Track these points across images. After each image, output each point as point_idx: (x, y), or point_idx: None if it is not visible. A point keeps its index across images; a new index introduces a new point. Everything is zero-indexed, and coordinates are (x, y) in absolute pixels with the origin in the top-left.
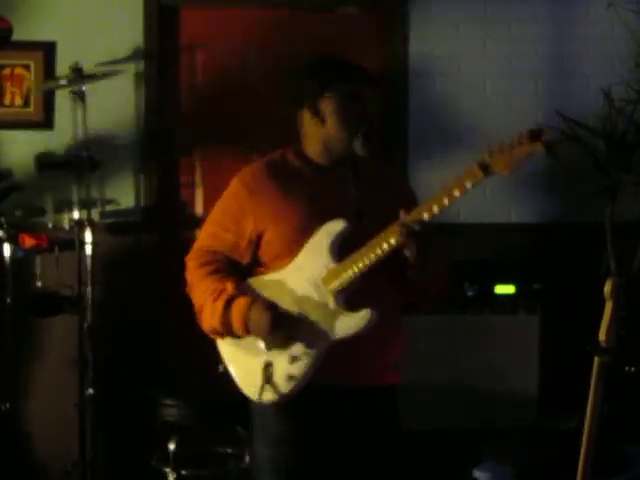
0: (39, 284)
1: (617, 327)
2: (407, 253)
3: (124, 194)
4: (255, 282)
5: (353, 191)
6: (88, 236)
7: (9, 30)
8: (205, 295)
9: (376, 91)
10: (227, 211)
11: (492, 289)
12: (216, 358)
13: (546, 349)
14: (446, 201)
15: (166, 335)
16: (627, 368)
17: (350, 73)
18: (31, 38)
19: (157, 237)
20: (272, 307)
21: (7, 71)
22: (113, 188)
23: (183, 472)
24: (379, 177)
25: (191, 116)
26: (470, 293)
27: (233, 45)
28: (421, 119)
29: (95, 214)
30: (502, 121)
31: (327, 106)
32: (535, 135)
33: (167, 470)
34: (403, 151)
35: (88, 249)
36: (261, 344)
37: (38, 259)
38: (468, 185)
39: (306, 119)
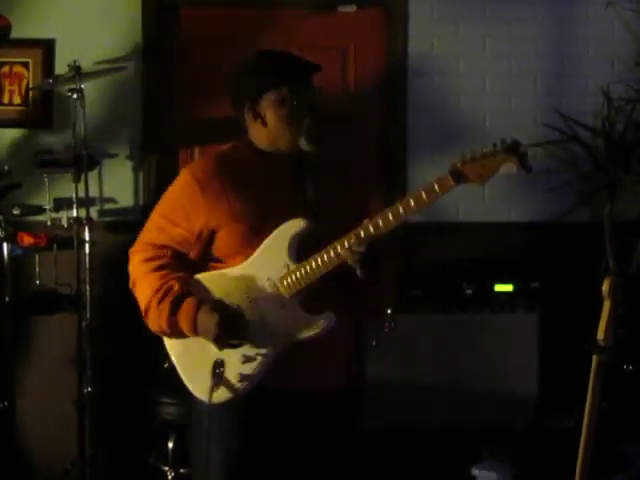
0: (38, 282)
1: (615, 326)
2: (357, 271)
3: (123, 192)
4: (205, 278)
5: (309, 189)
6: (87, 234)
7: (8, 28)
8: (150, 294)
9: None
10: (177, 205)
11: (491, 288)
12: (163, 353)
13: (545, 348)
14: (412, 203)
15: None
16: (626, 367)
17: (286, 72)
18: (30, 36)
19: None
20: (220, 307)
21: (6, 69)
22: (112, 186)
23: (182, 470)
24: (337, 176)
25: (190, 114)
26: (469, 292)
27: (232, 44)
28: (420, 118)
29: (94, 212)
30: (502, 120)
31: (266, 108)
32: (511, 148)
33: (165, 468)
34: (402, 150)
35: (87, 248)
36: (210, 343)
37: (37, 257)
38: (437, 189)
39: (248, 120)
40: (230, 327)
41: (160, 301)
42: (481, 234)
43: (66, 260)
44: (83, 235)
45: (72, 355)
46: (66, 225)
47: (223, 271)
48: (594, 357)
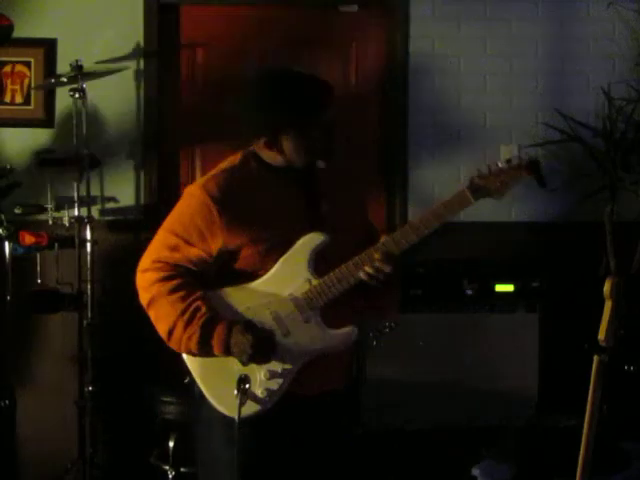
0: (39, 281)
1: (616, 326)
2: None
3: (124, 192)
4: (226, 293)
5: (323, 201)
6: (88, 234)
7: (10, 28)
8: (174, 317)
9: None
10: (190, 225)
11: (492, 287)
12: (184, 368)
13: (545, 348)
14: (436, 224)
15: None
16: (627, 367)
17: (308, 109)
18: (32, 35)
19: None
20: (252, 328)
21: (8, 68)
22: (113, 186)
23: (182, 469)
24: (343, 183)
25: (191, 114)
26: (469, 291)
27: (233, 43)
28: (421, 117)
29: (95, 212)
30: (502, 120)
31: (283, 140)
32: (530, 167)
33: (166, 467)
34: (402, 149)
35: (88, 247)
36: (231, 358)
37: (38, 256)
38: (458, 209)
39: (262, 147)
40: (263, 347)
41: (187, 324)
42: (482, 234)
43: (68, 259)
44: (84, 234)
45: (74, 354)
46: (67, 224)
47: (244, 285)
48: (595, 357)
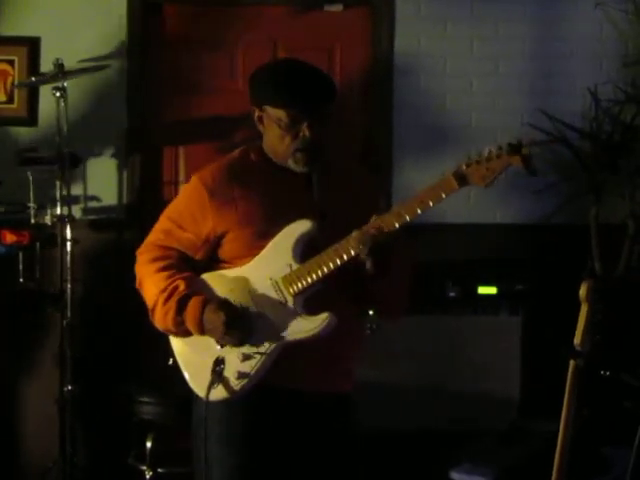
0: (21, 280)
1: (592, 331)
2: (367, 265)
3: (107, 191)
4: (211, 278)
5: (316, 192)
6: (68, 233)
7: None
8: (156, 293)
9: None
10: (185, 210)
11: (474, 290)
12: (166, 351)
13: (528, 351)
14: (419, 210)
15: (148, 332)
16: (602, 372)
17: (286, 97)
18: (15, 33)
19: (140, 234)
20: (226, 306)
21: None
22: (96, 185)
23: (160, 470)
24: (343, 179)
25: (174, 112)
26: (452, 294)
27: (218, 42)
28: (406, 118)
29: (78, 211)
30: (488, 121)
31: (266, 118)
32: (514, 149)
33: (144, 468)
34: (387, 150)
35: (68, 246)
36: (213, 340)
37: (21, 255)
38: (442, 195)
39: (255, 120)
40: (236, 326)
41: (166, 300)
42: (466, 236)
43: (50, 258)
44: (66, 233)
45: (55, 353)
46: (50, 223)
47: (227, 271)
48: (571, 362)
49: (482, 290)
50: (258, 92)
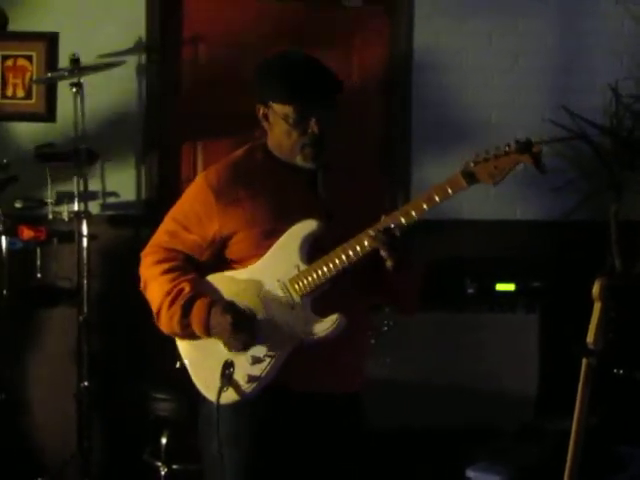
0: (39, 276)
1: (606, 329)
2: (387, 262)
3: (125, 187)
4: (217, 280)
5: (322, 191)
6: (84, 228)
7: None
8: (161, 296)
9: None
10: (190, 211)
11: (492, 287)
12: (175, 353)
13: (545, 348)
14: (425, 206)
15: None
16: (616, 371)
17: (293, 92)
18: (34, 29)
19: None
20: (232, 309)
21: (9, 62)
22: (114, 181)
23: (174, 466)
24: (350, 179)
25: (193, 108)
26: (470, 290)
27: (236, 37)
28: (424, 114)
29: (96, 206)
30: (507, 117)
31: (271, 115)
32: (523, 147)
33: (158, 464)
34: (406, 145)
35: (84, 242)
36: (221, 343)
37: (38, 251)
38: (450, 192)
39: (260, 117)
40: (242, 328)
41: (171, 304)
42: (484, 232)
43: (67, 254)
44: (84, 229)
45: (72, 349)
46: (67, 219)
47: (233, 272)
48: (583, 360)
49: (500, 287)
50: (263, 89)
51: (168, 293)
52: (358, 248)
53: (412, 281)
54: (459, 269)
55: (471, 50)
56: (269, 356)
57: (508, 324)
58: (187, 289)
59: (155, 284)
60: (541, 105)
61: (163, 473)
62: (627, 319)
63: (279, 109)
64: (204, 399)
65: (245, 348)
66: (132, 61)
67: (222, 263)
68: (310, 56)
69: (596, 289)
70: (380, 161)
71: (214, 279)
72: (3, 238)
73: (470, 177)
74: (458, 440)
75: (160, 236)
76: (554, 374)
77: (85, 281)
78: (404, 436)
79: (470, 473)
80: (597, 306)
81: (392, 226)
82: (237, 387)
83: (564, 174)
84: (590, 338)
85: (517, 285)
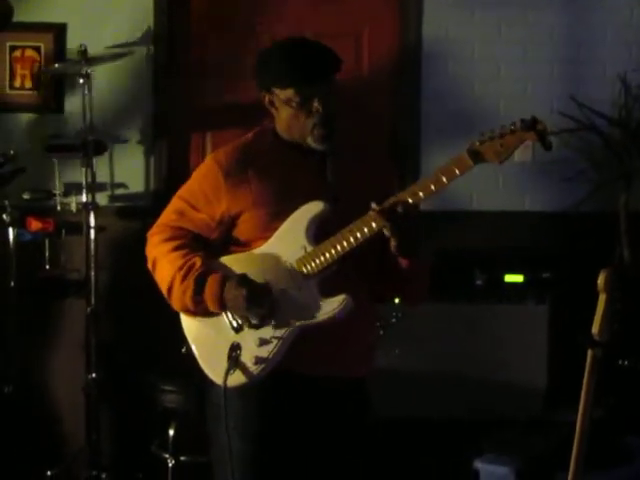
0: (47, 267)
1: (611, 320)
2: (392, 243)
3: (134, 178)
4: (226, 260)
5: (330, 177)
6: (92, 220)
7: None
8: (172, 272)
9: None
10: (198, 191)
11: (501, 278)
12: (180, 338)
13: (554, 339)
14: (433, 187)
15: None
16: (621, 362)
17: (294, 74)
18: (42, 20)
19: None
20: (247, 281)
21: (18, 53)
22: (123, 172)
23: (182, 458)
24: (359, 165)
25: (202, 99)
26: (479, 282)
27: (245, 27)
28: (434, 104)
29: (104, 198)
30: (516, 107)
31: (277, 100)
32: (528, 124)
33: (166, 456)
34: (415, 136)
35: (92, 233)
36: (228, 325)
37: (47, 242)
38: (457, 172)
39: (266, 104)
40: (258, 301)
41: (184, 278)
42: (494, 223)
43: (75, 245)
44: (90, 220)
45: (80, 341)
46: (75, 210)
47: (241, 254)
48: (589, 352)
49: (509, 278)
50: (264, 76)
51: (180, 268)
52: (365, 229)
53: (418, 271)
54: (468, 260)
55: (480, 41)
56: (276, 337)
57: (517, 315)
58: (199, 263)
59: (165, 261)
60: (550, 96)
61: (171, 465)
62: (633, 310)
63: (282, 94)
64: (211, 384)
65: (263, 322)
66: (140, 52)
67: (229, 245)
68: (308, 39)
69: (601, 280)
70: (389, 151)
71: (225, 261)
72: (11, 230)
73: (476, 156)
74: (466, 431)
75: (168, 215)
76: (563, 365)
77: (93, 273)
78: (412, 426)
79: (478, 464)
80: (602, 297)
81: (397, 205)
82: (244, 369)
83: (573, 165)
84: (595, 329)
85: (526, 276)
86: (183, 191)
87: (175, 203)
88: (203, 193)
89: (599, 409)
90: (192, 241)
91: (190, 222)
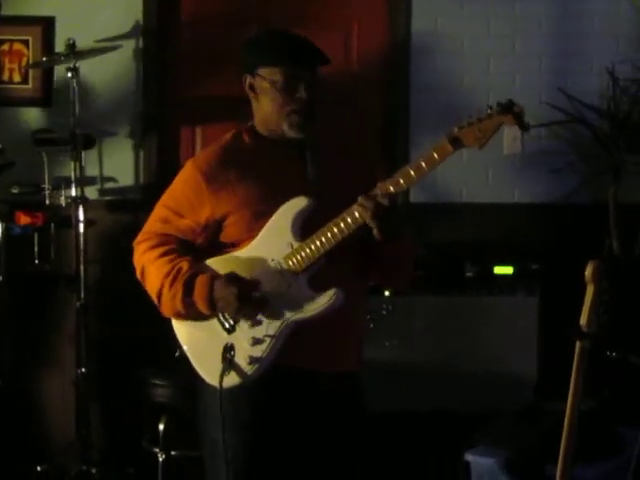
0: (37, 262)
1: (599, 311)
2: (374, 232)
3: (123, 172)
4: (213, 262)
5: (310, 171)
6: (80, 214)
7: None
8: (161, 279)
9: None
10: (181, 197)
11: (491, 270)
12: (174, 342)
13: (544, 331)
14: (414, 174)
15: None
16: (610, 353)
17: (282, 53)
18: (30, 13)
19: None
20: (236, 280)
21: (5, 46)
22: (112, 165)
23: (173, 453)
24: (341, 159)
25: (191, 92)
26: (469, 274)
27: (233, 22)
28: (423, 98)
29: (94, 191)
30: (505, 100)
31: (259, 84)
32: (505, 107)
33: (157, 450)
34: (404, 130)
35: (81, 227)
36: (220, 327)
37: (36, 237)
38: (436, 157)
39: (249, 94)
40: (249, 298)
41: (172, 283)
42: (483, 215)
43: (64, 239)
44: (79, 214)
45: (70, 335)
46: (64, 204)
47: (228, 255)
48: (577, 343)
49: (498, 270)
50: (251, 55)
51: (168, 274)
52: (349, 220)
53: (401, 252)
54: (458, 252)
55: (469, 34)
56: (269, 336)
57: (507, 307)
58: (186, 267)
59: (152, 268)
60: (538, 88)
61: (161, 459)
62: (621, 301)
63: (267, 74)
64: (203, 383)
65: (255, 317)
66: (129, 45)
67: (216, 248)
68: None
69: (589, 271)
70: (379, 145)
71: (212, 263)
72: (0, 224)
73: (455, 141)
74: (457, 423)
75: (152, 224)
76: (553, 357)
77: (83, 267)
78: (404, 419)
79: (469, 457)
80: (590, 288)
81: (379, 194)
82: (239, 370)
83: (562, 157)
84: (583, 320)
85: (516, 268)
86: (166, 199)
87: (159, 211)
88: (186, 199)
89: (591, 400)
90: (179, 246)
91: (175, 228)
